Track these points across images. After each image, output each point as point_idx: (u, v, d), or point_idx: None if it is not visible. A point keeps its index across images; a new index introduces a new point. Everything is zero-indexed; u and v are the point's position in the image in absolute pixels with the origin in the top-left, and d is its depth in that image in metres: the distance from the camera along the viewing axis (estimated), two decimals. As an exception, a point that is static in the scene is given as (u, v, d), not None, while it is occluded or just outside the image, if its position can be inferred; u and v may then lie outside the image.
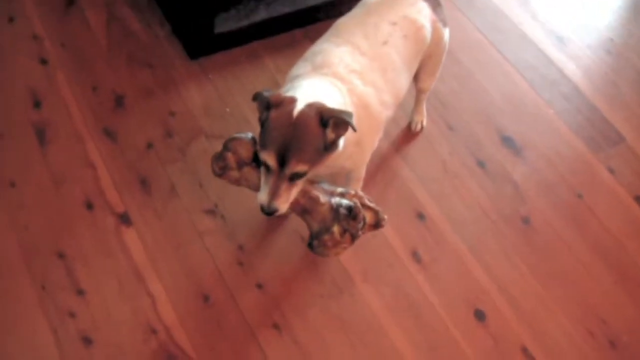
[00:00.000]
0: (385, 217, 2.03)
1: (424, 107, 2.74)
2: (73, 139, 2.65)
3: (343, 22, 2.23)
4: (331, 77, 2.00)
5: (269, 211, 1.88)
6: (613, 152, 2.79)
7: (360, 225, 1.95)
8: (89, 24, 3.01)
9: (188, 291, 2.33)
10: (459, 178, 2.66)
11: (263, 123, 1.87)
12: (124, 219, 2.46)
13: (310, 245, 1.98)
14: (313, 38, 2.98)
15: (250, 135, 1.98)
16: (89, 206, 2.48)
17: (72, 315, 2.25)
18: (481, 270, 2.44)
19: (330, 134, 1.84)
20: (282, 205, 1.88)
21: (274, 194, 1.85)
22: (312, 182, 1.99)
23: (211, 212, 2.50)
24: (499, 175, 2.68)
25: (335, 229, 1.93)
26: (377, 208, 2.02)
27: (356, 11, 2.28)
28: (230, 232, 2.46)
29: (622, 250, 2.53)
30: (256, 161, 1.94)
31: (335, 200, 1.95)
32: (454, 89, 2.92)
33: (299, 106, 1.83)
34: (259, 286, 2.35)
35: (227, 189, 2.52)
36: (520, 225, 2.56)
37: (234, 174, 1.98)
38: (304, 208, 1.97)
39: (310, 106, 1.84)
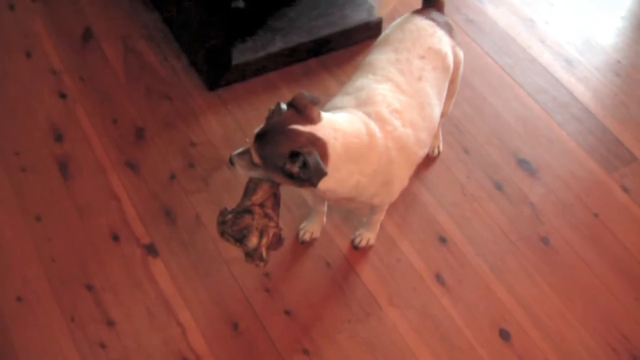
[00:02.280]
0: (263, 266, 2.11)
1: (439, 132, 2.79)
2: (96, 171, 2.69)
3: (375, 60, 2.27)
4: (374, 118, 2.06)
5: (230, 160, 2.04)
6: (626, 171, 2.84)
7: (235, 235, 2.06)
8: (106, 57, 3.06)
9: (217, 319, 2.35)
10: (477, 201, 2.71)
11: (283, 111, 1.99)
12: (151, 249, 2.49)
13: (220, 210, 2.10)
14: (329, 67, 3.06)
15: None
16: (115, 238, 2.52)
17: (103, 346, 2.28)
18: (504, 291, 2.48)
19: (293, 167, 1.90)
20: (238, 167, 2.04)
21: (240, 156, 2.01)
22: (275, 195, 2.09)
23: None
24: (516, 197, 2.72)
25: (229, 216, 2.06)
26: (262, 250, 2.08)
27: (382, 48, 2.31)
28: (256, 260, 2.49)
29: (641, 267, 2.58)
30: None
31: (255, 208, 2.05)
32: (468, 113, 2.98)
33: (304, 128, 1.91)
34: (287, 312, 2.38)
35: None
36: (540, 246, 2.60)
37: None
38: (246, 190, 2.08)
39: (308, 136, 1.90)
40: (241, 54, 2.96)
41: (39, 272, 2.42)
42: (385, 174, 2.05)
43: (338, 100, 2.17)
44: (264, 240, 2.07)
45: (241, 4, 3.08)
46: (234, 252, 2.49)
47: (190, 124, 2.86)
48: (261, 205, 2.06)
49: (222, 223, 2.07)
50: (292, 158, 1.88)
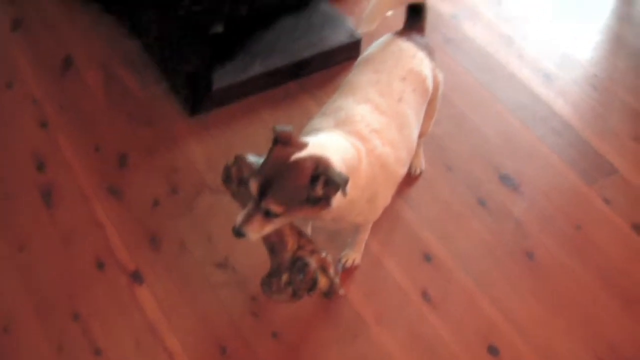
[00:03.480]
0: (342, 292, 2.19)
1: (421, 151, 2.80)
2: (79, 199, 2.68)
3: (355, 80, 2.27)
4: (353, 135, 2.05)
5: (237, 233, 1.92)
6: (606, 183, 2.86)
7: (307, 286, 2.05)
8: (87, 84, 3.07)
9: (204, 344, 2.34)
10: (461, 217, 2.72)
11: (268, 153, 1.94)
12: (136, 276, 2.48)
13: (262, 280, 2.09)
14: (308, 89, 3.08)
15: (256, 160, 2.09)
16: (100, 265, 2.51)
17: (90, 375, 2.26)
18: (491, 306, 2.48)
19: (318, 189, 1.86)
20: (251, 233, 1.91)
21: (246, 220, 1.90)
22: (297, 229, 2.08)
23: (222, 265, 2.53)
24: (499, 213, 2.74)
25: (284, 277, 2.04)
26: (335, 280, 2.14)
27: (363, 69, 2.32)
28: (242, 284, 2.48)
29: (625, 276, 2.59)
30: None
31: (301, 253, 2.05)
32: (449, 130, 3.00)
33: (302, 154, 1.88)
34: (275, 335, 2.37)
35: (237, 241, 2.53)
36: (525, 260, 2.61)
37: (233, 187, 2.13)
38: (273, 246, 2.06)
39: (311, 157, 1.87)
40: (221, 79, 2.97)
41: (25, 302, 2.40)
42: (370, 190, 2.06)
43: (316, 121, 2.17)
44: (331, 272, 2.10)
45: (220, 29, 3.09)
46: (221, 276, 2.49)
47: (172, 150, 2.86)
48: (300, 247, 2.06)
49: (280, 290, 2.06)
50: (313, 184, 1.86)
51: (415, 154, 2.79)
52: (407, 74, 2.27)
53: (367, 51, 2.41)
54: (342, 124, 2.09)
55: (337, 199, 1.91)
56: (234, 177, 2.10)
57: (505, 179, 2.84)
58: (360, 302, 2.46)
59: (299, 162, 1.87)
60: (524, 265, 2.60)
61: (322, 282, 2.08)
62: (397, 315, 2.45)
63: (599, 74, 3.30)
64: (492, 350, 2.39)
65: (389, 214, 2.65)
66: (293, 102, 3.06)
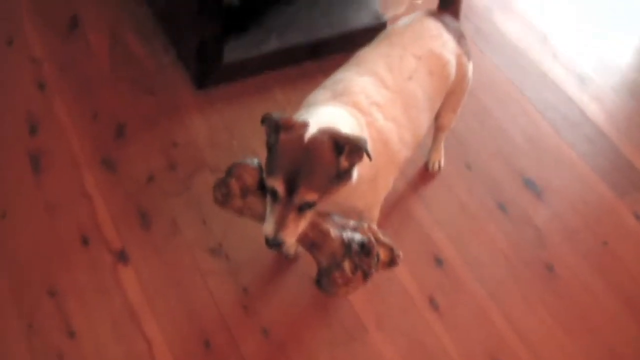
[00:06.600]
0: (400, 254, 1.86)
1: (441, 146, 2.60)
2: (69, 168, 2.50)
3: (366, 52, 2.10)
4: (351, 106, 1.86)
5: (274, 243, 1.70)
6: (639, 198, 2.65)
7: (374, 262, 1.78)
8: (91, 47, 2.89)
9: (187, 335, 2.15)
10: (478, 221, 2.51)
11: (271, 147, 1.73)
12: (121, 255, 2.30)
13: (318, 283, 1.81)
14: (326, 72, 2.84)
15: (256, 161, 1.83)
16: (84, 241, 2.32)
17: (60, 357, 2.07)
18: (502, 318, 2.28)
19: (344, 161, 1.69)
20: (289, 237, 1.70)
21: (280, 225, 1.68)
22: (323, 214, 1.83)
23: (215, 251, 2.34)
24: (520, 219, 2.53)
25: (347, 265, 1.76)
26: (392, 244, 1.84)
27: (379, 42, 2.15)
28: (234, 273, 2.29)
29: (650, 300, 2.39)
30: (262, 189, 1.79)
31: (348, 234, 1.79)
32: (472, 127, 2.79)
33: (311, 131, 1.69)
34: (264, 332, 2.18)
35: (233, 226, 2.38)
36: (543, 272, 2.41)
37: (238, 202, 1.81)
38: (313, 242, 1.80)
39: (323, 131, 1.69)
40: (233, 52, 2.78)
41: (1, 272, 2.22)
42: (372, 168, 1.84)
43: (313, 95, 1.96)
44: (383, 238, 1.83)
45: (236, 1, 2.90)
46: (212, 263, 2.31)
47: (174, 123, 2.67)
48: (342, 228, 1.82)
49: (348, 281, 1.77)
50: (338, 156, 1.67)
51: (434, 149, 2.60)
52: (425, 53, 2.07)
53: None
54: (340, 96, 1.89)
55: (358, 174, 1.75)
56: (236, 190, 1.79)
57: (529, 184, 2.64)
58: (362, 303, 2.27)
59: (316, 140, 1.67)
60: (541, 277, 2.39)
61: (382, 252, 1.82)
62: (399, 320, 2.25)
63: (639, 81, 3.08)
64: (499, 367, 2.19)
65: (400, 209, 2.46)
66: (309, 82, 2.84)
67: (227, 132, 2.66)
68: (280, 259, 2.34)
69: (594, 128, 2.86)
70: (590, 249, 2.49)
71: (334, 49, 2.95)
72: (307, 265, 2.32)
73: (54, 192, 2.43)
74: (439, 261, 2.40)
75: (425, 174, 2.61)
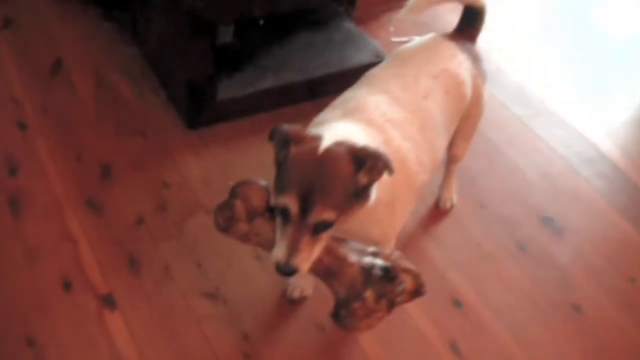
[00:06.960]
0: (425, 282, 1.66)
1: (453, 182, 2.43)
2: (51, 210, 2.30)
3: (376, 73, 1.96)
4: (364, 123, 1.69)
5: (287, 270, 1.51)
6: (663, 235, 2.49)
7: (400, 289, 1.58)
8: (76, 89, 2.73)
9: (183, 388, 1.92)
10: (496, 261, 2.32)
11: (280, 164, 1.55)
12: (108, 301, 2.08)
13: (335, 316, 1.60)
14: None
15: (263, 181, 1.63)
16: (67, 286, 2.10)
17: (39, 417, 1.83)
18: (530, 365, 2.07)
19: (362, 177, 1.51)
20: (303, 263, 1.51)
21: (293, 249, 1.49)
22: (338, 239, 1.63)
23: (212, 296, 2.12)
24: (542, 259, 2.35)
25: (368, 294, 1.55)
26: (417, 271, 1.63)
27: (389, 62, 2.01)
28: (233, 319, 2.08)
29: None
30: (271, 212, 1.59)
31: (367, 260, 1.59)
32: (483, 166, 2.63)
33: (325, 143, 1.51)
34: (269, 383, 1.95)
35: (231, 268, 2.18)
36: (571, 312, 2.21)
37: (243, 227, 1.60)
38: (329, 269, 1.59)
39: (339, 143, 1.52)
40: (227, 90, 2.62)
41: (-26, 321, 2.00)
42: (390, 191, 1.65)
43: (322, 115, 1.79)
44: (407, 264, 1.62)
45: (229, 39, 2.75)
46: (209, 308, 2.09)
47: (165, 164, 2.49)
48: (361, 253, 1.63)
49: (371, 312, 1.57)
50: (358, 170, 1.51)
51: (446, 185, 2.43)
52: (441, 73, 1.93)
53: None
54: (351, 113, 1.72)
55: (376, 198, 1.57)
56: (242, 212, 1.59)
57: (547, 222, 2.46)
58: (375, 349, 2.05)
59: (332, 152, 1.50)
60: (569, 318, 2.20)
61: (407, 280, 1.62)
62: (417, 368, 2.03)
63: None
64: (530, 418, 1.96)
65: (412, 247, 2.28)
66: (305, 123, 2.69)
67: (222, 172, 2.48)
68: (284, 302, 2.13)
69: (610, 164, 2.72)
70: (617, 287, 2.31)
71: (331, 88, 2.76)
72: (314, 309, 2.12)
73: (34, 235, 2.22)
74: (457, 303, 2.19)
75: (436, 213, 2.44)
